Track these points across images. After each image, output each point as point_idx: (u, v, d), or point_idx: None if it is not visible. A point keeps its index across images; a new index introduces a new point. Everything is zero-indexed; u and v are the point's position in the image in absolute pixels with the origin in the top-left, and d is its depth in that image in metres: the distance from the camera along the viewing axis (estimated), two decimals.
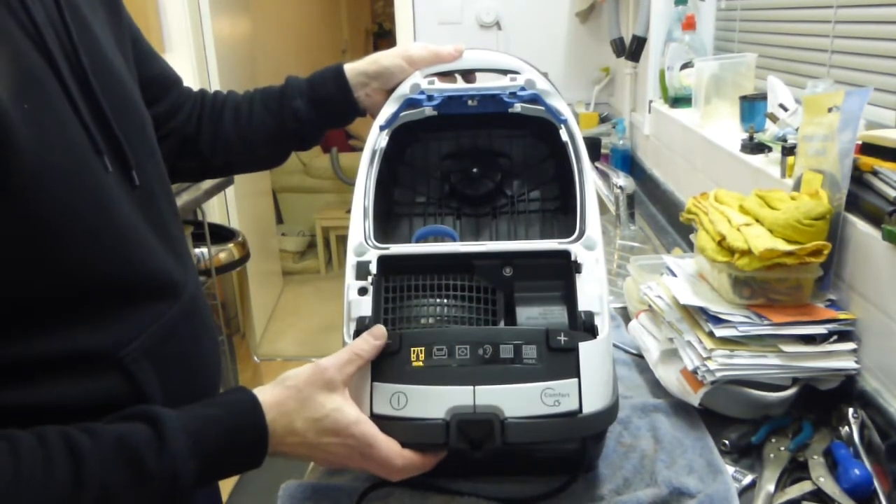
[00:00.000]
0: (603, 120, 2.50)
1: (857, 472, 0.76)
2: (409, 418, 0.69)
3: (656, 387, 0.98)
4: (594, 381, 0.70)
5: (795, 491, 0.77)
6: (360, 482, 0.81)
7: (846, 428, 0.83)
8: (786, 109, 1.18)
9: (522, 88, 0.89)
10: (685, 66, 1.73)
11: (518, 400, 0.68)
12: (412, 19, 2.57)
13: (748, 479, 0.80)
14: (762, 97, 1.30)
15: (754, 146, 1.22)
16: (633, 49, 2.03)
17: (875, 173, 0.89)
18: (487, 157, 1.01)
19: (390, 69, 0.93)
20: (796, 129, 1.13)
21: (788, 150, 1.07)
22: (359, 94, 0.95)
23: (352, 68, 0.96)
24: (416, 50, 0.93)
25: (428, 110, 0.90)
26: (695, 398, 0.89)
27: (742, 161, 1.23)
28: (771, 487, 0.78)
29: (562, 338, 0.70)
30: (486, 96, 0.90)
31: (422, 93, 0.90)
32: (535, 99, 0.89)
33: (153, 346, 0.69)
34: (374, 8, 7.51)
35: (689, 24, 1.75)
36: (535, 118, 0.88)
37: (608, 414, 0.71)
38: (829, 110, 0.95)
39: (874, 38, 1.12)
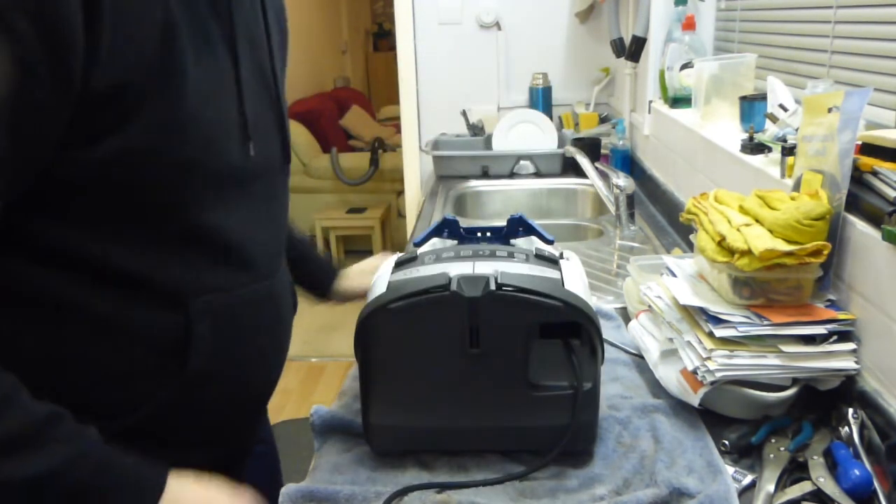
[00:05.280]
0: (603, 120, 2.50)
1: (857, 472, 0.76)
2: (418, 277, 0.81)
3: (656, 387, 0.98)
4: (574, 279, 0.83)
5: (795, 491, 0.77)
6: (358, 485, 0.81)
7: (846, 428, 0.83)
8: (786, 110, 1.18)
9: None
10: (685, 66, 1.73)
11: (510, 269, 0.81)
12: (412, 19, 2.57)
13: (748, 479, 0.80)
14: (762, 97, 1.30)
15: (754, 146, 1.22)
16: (632, 49, 2.02)
17: (875, 173, 0.89)
18: None
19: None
20: (796, 130, 1.12)
21: (788, 151, 1.07)
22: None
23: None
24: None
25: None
26: (695, 398, 0.89)
27: (742, 161, 1.23)
28: (771, 488, 0.78)
29: (547, 252, 0.87)
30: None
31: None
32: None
33: (220, 309, 0.77)
34: (374, 8, 7.51)
35: (689, 25, 1.75)
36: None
37: (586, 305, 0.79)
38: (829, 110, 0.95)
39: (874, 38, 1.12)
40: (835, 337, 0.87)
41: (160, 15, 0.66)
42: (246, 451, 0.96)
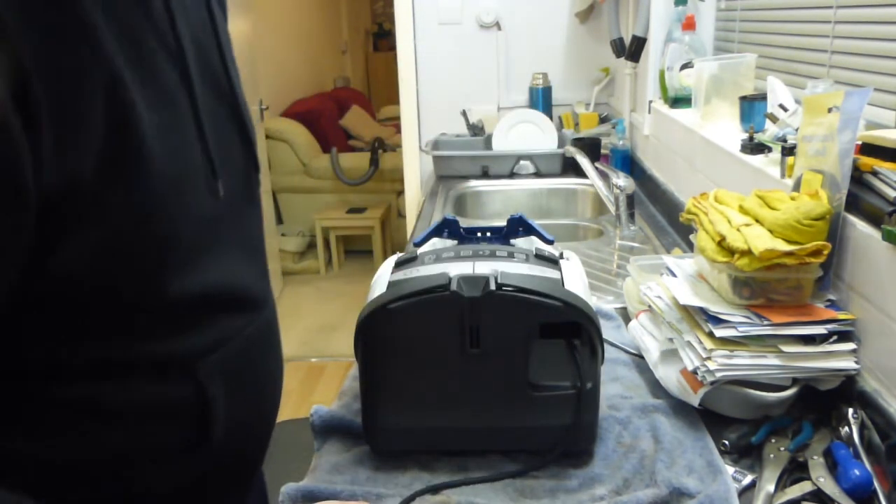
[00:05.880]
0: (603, 120, 2.50)
1: (857, 472, 0.76)
2: (418, 277, 0.82)
3: (656, 387, 0.98)
4: (574, 279, 0.83)
5: (795, 491, 0.77)
6: (358, 485, 0.81)
7: (846, 428, 0.83)
8: (786, 110, 1.18)
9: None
10: (685, 66, 1.73)
11: (510, 269, 0.81)
12: (412, 19, 2.57)
13: (748, 479, 0.80)
14: (762, 97, 1.30)
15: (754, 146, 1.22)
16: (632, 49, 2.02)
17: (875, 173, 0.89)
18: None
19: None
20: (796, 130, 1.13)
21: (788, 151, 1.07)
22: None
23: None
24: None
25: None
26: (695, 398, 0.89)
27: (742, 161, 1.23)
28: (771, 488, 0.78)
29: (547, 252, 0.88)
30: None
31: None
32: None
33: (227, 361, 0.71)
34: (374, 8, 7.51)
35: (689, 25, 1.75)
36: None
37: (586, 305, 0.79)
38: (829, 110, 0.95)
39: (874, 38, 1.12)
40: (835, 337, 0.87)
41: (96, 67, 0.56)
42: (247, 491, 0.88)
